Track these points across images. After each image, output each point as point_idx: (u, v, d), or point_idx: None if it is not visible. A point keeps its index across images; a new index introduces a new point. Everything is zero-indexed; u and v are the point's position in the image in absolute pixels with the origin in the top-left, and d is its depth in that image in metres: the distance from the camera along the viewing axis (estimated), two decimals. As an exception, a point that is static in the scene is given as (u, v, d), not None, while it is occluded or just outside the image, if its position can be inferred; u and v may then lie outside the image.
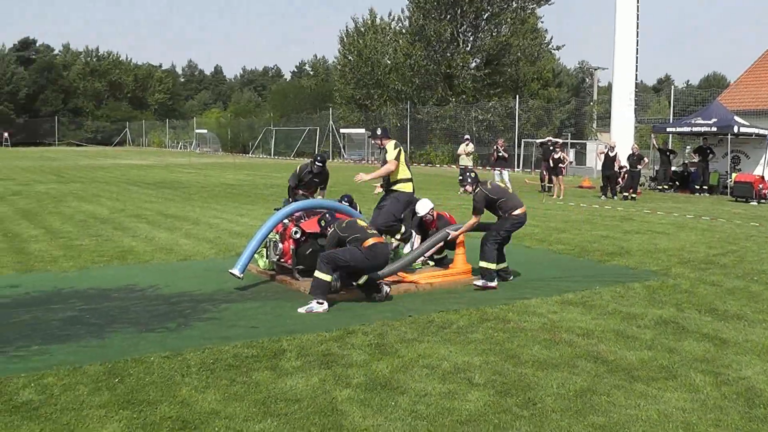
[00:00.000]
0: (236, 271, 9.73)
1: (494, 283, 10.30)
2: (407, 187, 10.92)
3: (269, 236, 10.63)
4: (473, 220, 10.70)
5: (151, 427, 5.36)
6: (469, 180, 10.71)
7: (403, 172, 10.92)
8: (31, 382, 6.25)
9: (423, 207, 11.36)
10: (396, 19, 65.15)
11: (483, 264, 10.33)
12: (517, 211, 10.52)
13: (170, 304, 9.22)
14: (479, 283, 10.32)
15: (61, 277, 10.91)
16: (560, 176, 26.72)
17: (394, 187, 10.92)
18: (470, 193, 10.70)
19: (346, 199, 11.34)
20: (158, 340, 7.56)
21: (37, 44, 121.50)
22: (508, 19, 55.60)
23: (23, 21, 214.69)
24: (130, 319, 8.45)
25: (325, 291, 8.97)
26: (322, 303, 8.89)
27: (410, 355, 7.05)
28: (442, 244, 11.07)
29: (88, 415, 5.57)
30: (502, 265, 10.75)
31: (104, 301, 9.36)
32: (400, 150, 10.96)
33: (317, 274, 8.99)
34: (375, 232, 9.56)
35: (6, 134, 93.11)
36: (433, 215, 11.43)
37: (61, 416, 5.56)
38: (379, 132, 11.26)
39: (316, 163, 13.39)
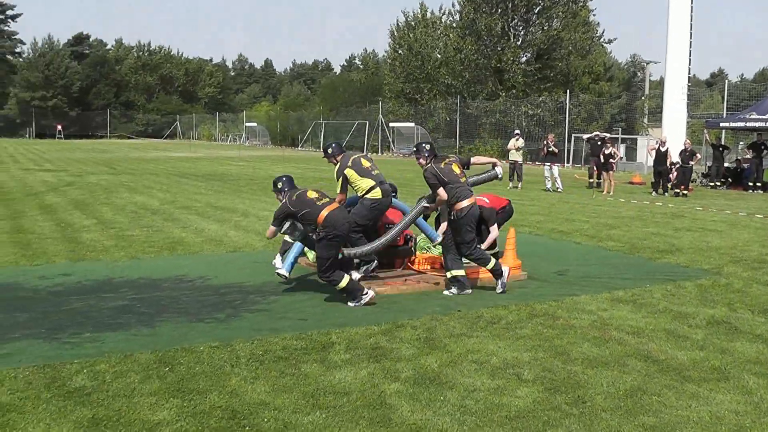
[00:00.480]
0: (283, 271, 9.73)
1: (469, 290, 9.69)
2: (375, 194, 9.66)
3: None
4: (440, 196, 9.62)
5: (201, 416, 5.40)
6: (425, 153, 9.75)
7: (362, 185, 9.73)
8: (83, 368, 6.36)
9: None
10: (447, 13, 65.24)
11: (452, 273, 9.72)
12: (464, 203, 9.41)
13: (219, 294, 9.30)
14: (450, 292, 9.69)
15: (113, 266, 11.06)
16: (610, 172, 26.39)
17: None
18: (422, 167, 9.76)
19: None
20: (208, 330, 7.64)
21: (91, 39, 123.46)
22: (560, 13, 54.99)
23: (78, 17, 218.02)
24: (180, 309, 8.54)
25: (358, 289, 8.90)
26: (365, 294, 8.83)
27: (459, 350, 7.01)
28: (492, 239, 10.58)
29: (139, 402, 5.63)
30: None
31: (154, 291, 9.48)
32: (343, 177, 9.73)
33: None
34: (328, 199, 9.12)
35: (59, 127, 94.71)
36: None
37: (113, 402, 5.63)
38: (329, 151, 10.14)
39: None
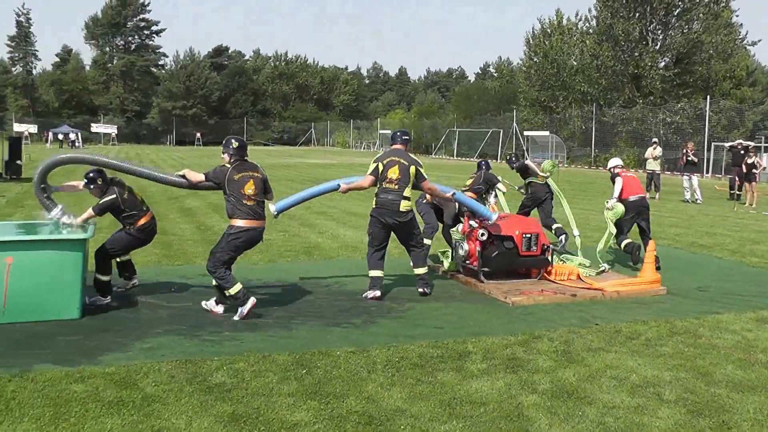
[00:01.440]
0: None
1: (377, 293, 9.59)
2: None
3: (455, 237, 10.68)
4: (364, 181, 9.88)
5: (338, 420, 5.48)
6: (230, 150, 9.27)
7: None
8: (223, 365, 6.60)
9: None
10: (583, 19, 64.02)
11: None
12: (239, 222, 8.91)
13: (355, 300, 9.43)
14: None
15: (251, 269, 11.35)
16: (753, 183, 25.24)
17: None
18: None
19: (484, 163, 10.82)
20: (344, 335, 7.76)
21: (230, 51, 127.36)
22: (701, 15, 53.07)
23: (218, 30, 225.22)
24: (316, 313, 8.70)
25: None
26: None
27: (597, 364, 6.90)
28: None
29: (277, 402, 5.77)
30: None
31: (291, 294, 9.70)
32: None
33: None
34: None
35: (198, 134, 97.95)
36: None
37: (251, 400, 5.80)
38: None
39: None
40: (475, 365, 6.76)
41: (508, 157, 13.75)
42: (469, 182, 12.83)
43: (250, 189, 8.82)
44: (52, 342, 7.35)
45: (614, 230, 12.00)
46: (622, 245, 12.24)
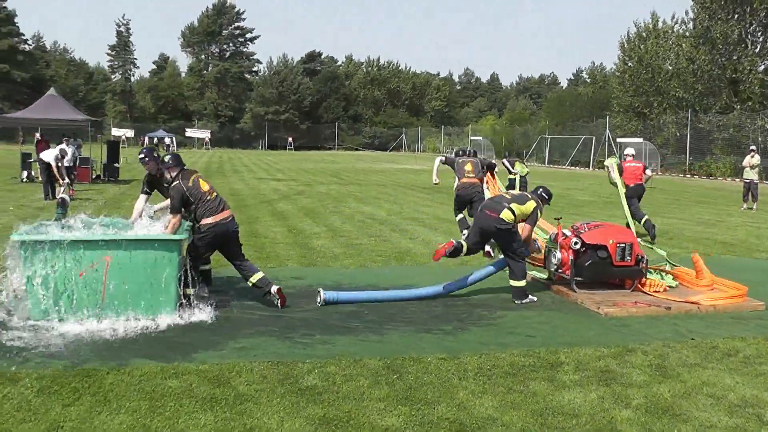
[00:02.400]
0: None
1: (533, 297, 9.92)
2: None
3: (548, 245, 10.57)
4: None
5: (429, 426, 5.48)
6: (171, 163, 9.23)
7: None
8: (315, 368, 6.66)
9: None
10: (679, 21, 62.42)
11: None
12: (209, 220, 8.97)
13: (446, 306, 9.40)
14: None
15: (342, 273, 11.45)
16: None
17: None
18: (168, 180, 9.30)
19: (541, 189, 10.69)
20: (435, 341, 7.74)
21: (322, 56, 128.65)
22: (804, 16, 51.25)
23: (311, 36, 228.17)
24: (407, 319, 8.70)
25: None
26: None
27: (693, 381, 6.71)
28: None
29: (368, 407, 5.79)
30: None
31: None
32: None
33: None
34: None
35: (290, 139, 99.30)
36: None
37: (342, 404, 5.84)
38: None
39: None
40: (568, 376, 6.67)
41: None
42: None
43: (205, 186, 9.07)
44: (148, 338, 7.56)
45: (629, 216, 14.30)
46: (642, 221, 15.88)
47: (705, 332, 8.48)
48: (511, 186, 20.89)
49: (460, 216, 14.56)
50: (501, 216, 9.76)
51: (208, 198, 8.96)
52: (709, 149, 53.05)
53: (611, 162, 15.69)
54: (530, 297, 9.79)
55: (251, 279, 9.06)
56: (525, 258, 9.90)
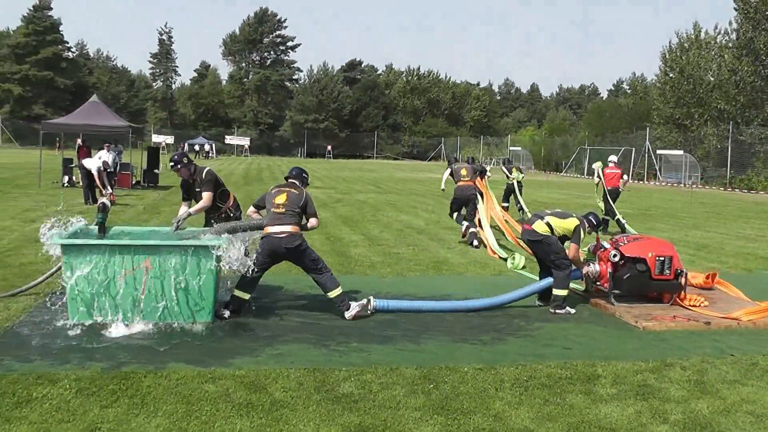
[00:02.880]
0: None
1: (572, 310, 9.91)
2: None
3: (587, 257, 10.52)
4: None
5: (464, 436, 5.43)
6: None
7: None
8: (351, 376, 6.68)
9: None
10: (722, 32, 61.75)
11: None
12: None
13: (483, 317, 9.35)
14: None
15: (380, 281, 11.45)
16: None
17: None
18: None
19: (591, 215, 10.65)
20: (472, 352, 7.72)
21: (363, 65, 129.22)
22: None
23: (352, 44, 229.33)
24: (445, 328, 8.69)
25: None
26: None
27: (732, 397, 6.61)
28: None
29: (404, 416, 5.79)
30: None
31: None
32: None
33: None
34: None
35: (329, 147, 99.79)
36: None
37: (378, 412, 5.84)
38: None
39: None
40: (605, 389, 6.61)
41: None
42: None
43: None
44: (185, 343, 7.63)
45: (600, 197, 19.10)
46: (616, 218, 19.14)
47: (745, 348, 8.35)
48: (509, 190, 24.27)
49: (456, 214, 16.85)
50: (533, 227, 9.87)
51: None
52: (751, 162, 52.29)
53: (598, 165, 20.15)
54: (567, 308, 9.75)
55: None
56: (569, 268, 9.83)
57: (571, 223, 9.93)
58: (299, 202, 8.90)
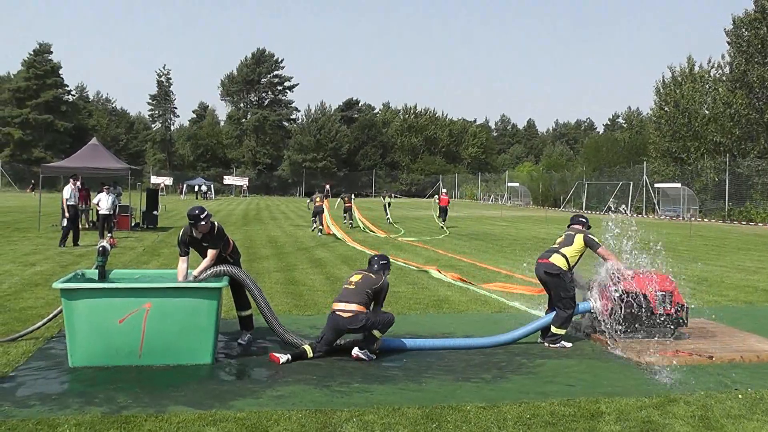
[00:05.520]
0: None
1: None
2: None
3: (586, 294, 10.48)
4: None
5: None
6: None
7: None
8: (353, 417, 6.64)
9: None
10: (715, 65, 62.24)
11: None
12: None
13: (485, 355, 9.31)
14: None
15: (380, 321, 11.32)
16: None
17: None
18: None
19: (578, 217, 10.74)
20: (474, 390, 7.67)
21: (360, 104, 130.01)
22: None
23: (348, 84, 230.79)
24: (446, 367, 8.64)
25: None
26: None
27: (738, 433, 6.53)
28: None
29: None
30: None
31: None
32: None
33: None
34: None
35: (327, 186, 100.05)
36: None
37: (381, 453, 5.76)
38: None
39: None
40: (609, 426, 6.55)
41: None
42: None
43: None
44: (186, 385, 7.57)
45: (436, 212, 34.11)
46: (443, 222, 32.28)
47: (749, 383, 8.28)
48: (384, 208, 41.23)
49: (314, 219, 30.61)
50: (551, 261, 9.94)
51: None
52: (749, 194, 52.50)
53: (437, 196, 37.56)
54: (563, 343, 9.81)
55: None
56: (572, 309, 9.88)
57: (579, 239, 10.05)
58: (373, 285, 9.01)
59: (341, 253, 21.56)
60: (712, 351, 9.50)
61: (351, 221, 35.44)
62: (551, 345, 9.73)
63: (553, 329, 9.81)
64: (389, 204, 41.25)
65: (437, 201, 39.22)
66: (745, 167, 52.72)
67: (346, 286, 9.06)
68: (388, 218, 39.88)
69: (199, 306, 8.33)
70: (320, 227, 29.83)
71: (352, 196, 37.98)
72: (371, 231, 32.13)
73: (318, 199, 30.23)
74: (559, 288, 9.90)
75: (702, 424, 6.72)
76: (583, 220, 10.60)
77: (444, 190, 42.62)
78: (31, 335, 9.41)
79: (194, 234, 9.32)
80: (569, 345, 9.80)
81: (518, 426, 6.47)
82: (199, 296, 8.36)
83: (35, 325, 9.43)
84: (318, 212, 29.98)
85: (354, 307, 8.77)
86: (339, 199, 38.55)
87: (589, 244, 10.08)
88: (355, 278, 9.12)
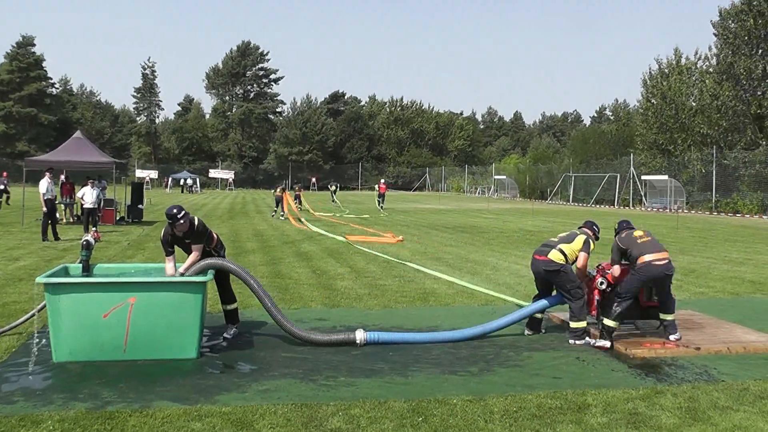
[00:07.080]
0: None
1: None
2: None
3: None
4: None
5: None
6: None
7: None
8: (339, 410, 6.61)
9: None
10: (702, 57, 62.33)
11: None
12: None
13: (472, 348, 9.29)
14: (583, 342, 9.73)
15: (366, 314, 11.36)
16: None
17: None
18: None
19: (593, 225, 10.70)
20: (461, 383, 7.64)
21: (346, 97, 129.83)
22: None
23: (335, 77, 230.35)
24: (433, 360, 8.61)
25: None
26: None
27: (724, 424, 6.55)
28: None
29: (396, 451, 5.68)
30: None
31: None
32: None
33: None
34: None
35: (313, 179, 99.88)
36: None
37: (367, 447, 5.73)
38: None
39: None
40: (595, 419, 6.55)
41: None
42: None
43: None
44: (171, 380, 7.52)
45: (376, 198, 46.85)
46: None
47: (736, 374, 8.30)
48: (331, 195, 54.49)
49: (276, 210, 36.86)
50: (550, 257, 9.76)
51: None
52: (736, 186, 52.68)
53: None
54: (587, 339, 9.61)
55: None
56: (583, 298, 9.74)
57: (580, 240, 9.94)
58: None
59: (327, 246, 21.51)
60: (699, 342, 9.51)
61: (300, 206, 40.94)
62: (577, 342, 9.57)
63: (572, 324, 9.66)
64: (335, 191, 56.61)
65: (378, 188, 50.18)
66: (731, 159, 52.86)
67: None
68: (334, 200, 54.44)
69: (184, 300, 8.27)
70: (282, 213, 36.41)
71: (301, 186, 48.09)
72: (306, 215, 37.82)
73: (278, 190, 37.36)
74: (565, 281, 9.70)
75: (689, 416, 6.73)
76: (596, 228, 10.46)
77: (383, 180, 54.11)
78: (14, 330, 9.35)
79: (175, 232, 9.22)
80: (593, 342, 9.58)
81: (505, 419, 6.45)
82: (184, 290, 8.30)
83: (19, 320, 9.36)
84: (278, 201, 37.05)
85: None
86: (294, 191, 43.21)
87: (585, 245, 9.94)
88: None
